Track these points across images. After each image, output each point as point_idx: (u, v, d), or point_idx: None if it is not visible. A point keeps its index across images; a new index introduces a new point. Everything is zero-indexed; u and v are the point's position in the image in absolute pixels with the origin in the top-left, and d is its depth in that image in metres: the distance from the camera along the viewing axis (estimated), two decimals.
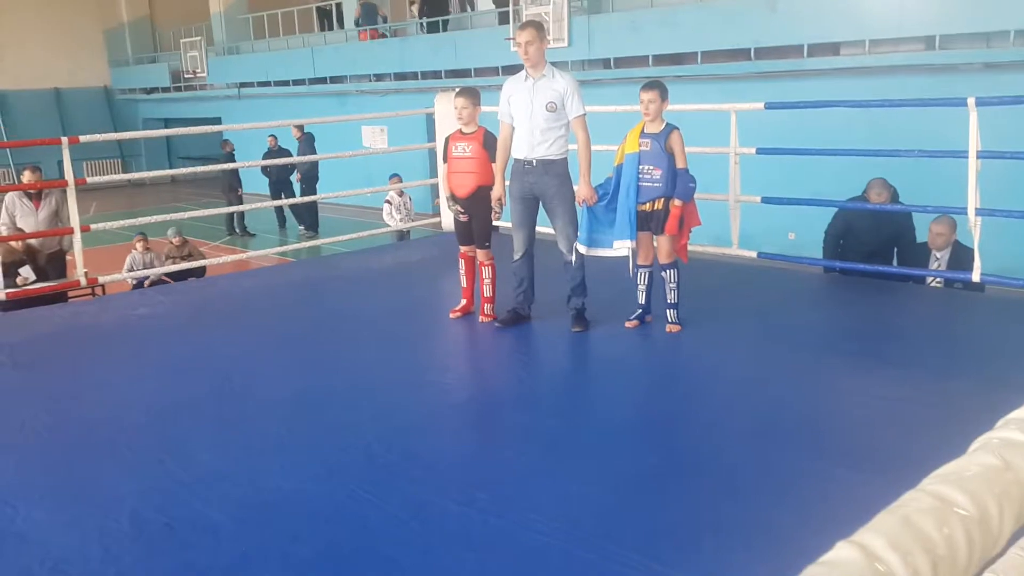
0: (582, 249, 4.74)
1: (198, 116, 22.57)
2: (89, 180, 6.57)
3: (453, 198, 4.98)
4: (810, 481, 2.96)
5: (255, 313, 5.68)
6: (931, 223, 5.78)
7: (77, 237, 5.89)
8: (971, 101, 4.88)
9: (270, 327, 5.29)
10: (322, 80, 19.26)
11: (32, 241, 7.73)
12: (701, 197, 4.81)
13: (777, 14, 11.00)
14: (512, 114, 4.78)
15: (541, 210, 4.88)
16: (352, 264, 7.17)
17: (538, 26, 4.80)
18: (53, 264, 8.08)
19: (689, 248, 4.91)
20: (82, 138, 6.15)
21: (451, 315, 5.10)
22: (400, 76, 17.37)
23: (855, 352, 4.39)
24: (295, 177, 15.85)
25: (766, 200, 6.12)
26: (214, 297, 6.15)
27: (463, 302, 5.14)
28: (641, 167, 4.57)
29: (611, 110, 6.72)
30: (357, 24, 18.99)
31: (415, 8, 18.19)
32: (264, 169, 15.76)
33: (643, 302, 4.82)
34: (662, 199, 4.58)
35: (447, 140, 5.04)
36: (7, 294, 5.98)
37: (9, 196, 7.95)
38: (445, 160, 5.08)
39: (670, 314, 4.72)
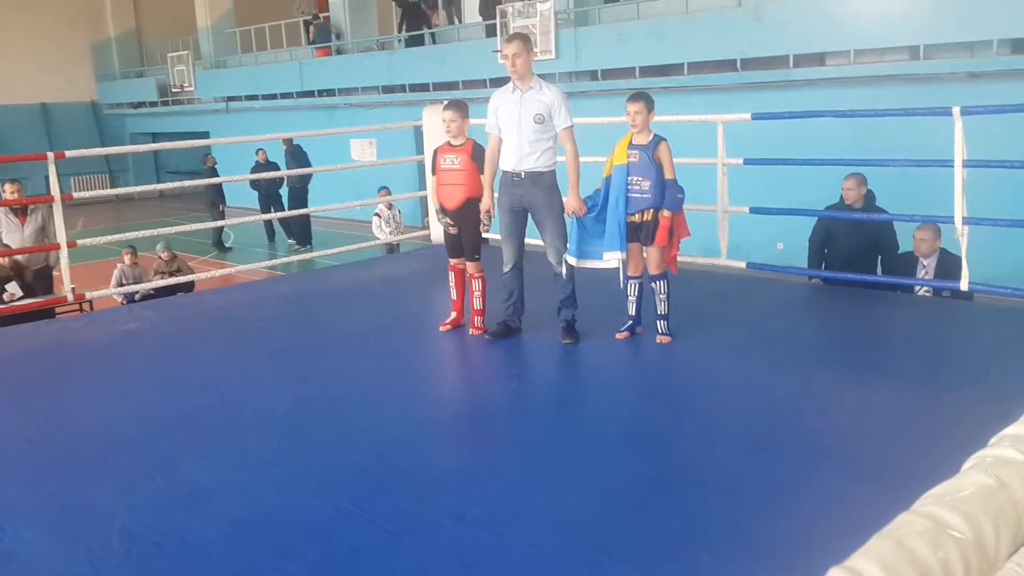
0: (572, 261, 4.75)
1: (186, 130, 22.49)
2: (76, 195, 6.54)
3: (442, 210, 4.98)
4: (804, 492, 2.96)
5: (245, 327, 5.65)
6: (915, 230, 5.82)
7: (64, 253, 5.87)
8: (956, 110, 4.92)
9: (260, 341, 5.27)
10: (310, 93, 19.24)
11: (19, 257, 7.68)
12: (690, 208, 4.82)
13: (763, 25, 11.07)
14: (500, 126, 4.79)
15: (531, 222, 4.88)
16: (342, 277, 7.15)
17: (525, 38, 4.82)
18: (40, 280, 8.03)
19: (679, 259, 4.92)
20: (68, 153, 6.12)
21: (441, 328, 5.09)
22: (388, 89, 17.38)
23: (846, 362, 4.41)
24: (286, 188, 15.78)
25: (754, 210, 6.14)
26: (203, 312, 6.12)
27: (453, 315, 5.14)
28: (630, 178, 4.58)
29: (598, 122, 6.75)
30: (311, 43, 19.57)
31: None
32: (254, 183, 15.73)
33: (633, 313, 4.82)
34: (651, 210, 4.59)
35: (436, 152, 5.05)
36: None
37: None
38: (434, 172, 5.08)
39: (660, 325, 4.72)
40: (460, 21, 16.76)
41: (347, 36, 18.55)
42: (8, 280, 8.35)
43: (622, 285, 4.78)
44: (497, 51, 13.82)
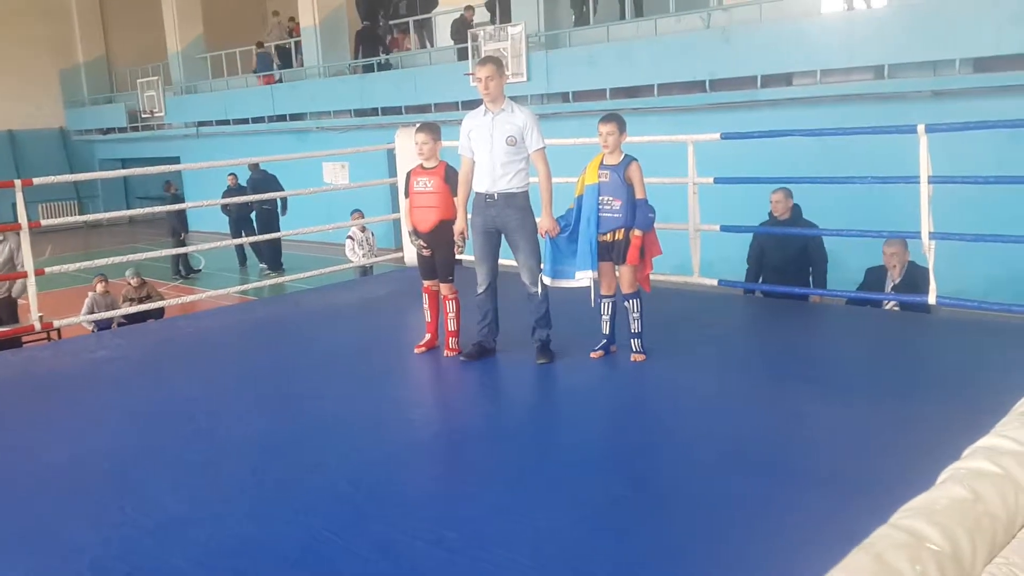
0: (547, 281, 4.76)
1: (156, 156, 22.33)
2: (44, 223, 6.47)
3: (415, 233, 4.98)
4: (780, 509, 2.97)
5: (217, 353, 5.60)
6: (883, 245, 5.91)
7: (31, 281, 5.78)
8: (921, 128, 5.01)
9: (233, 367, 5.22)
10: (282, 118, 19.23)
11: None
12: (661, 227, 4.86)
13: (730, 46, 11.23)
14: (472, 148, 4.81)
15: (504, 243, 4.89)
16: (315, 301, 7.11)
17: (497, 62, 4.86)
18: (4, 310, 7.92)
19: (651, 277, 4.94)
20: (36, 180, 6.04)
21: (416, 350, 5.07)
22: (360, 112, 17.41)
23: (819, 378, 4.44)
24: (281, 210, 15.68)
25: (725, 228, 6.20)
26: (174, 338, 6.05)
27: (428, 336, 5.12)
28: (601, 198, 4.61)
29: (570, 143, 6.78)
30: (255, 72, 20.26)
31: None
32: (224, 208, 15.62)
33: (607, 332, 4.83)
34: (622, 229, 4.61)
35: (408, 175, 5.05)
36: None
37: None
38: (407, 195, 5.08)
39: (634, 343, 4.74)
40: (432, 44, 16.85)
41: (319, 60, 18.57)
42: None
43: (593, 304, 4.79)
44: (469, 74, 13.89)
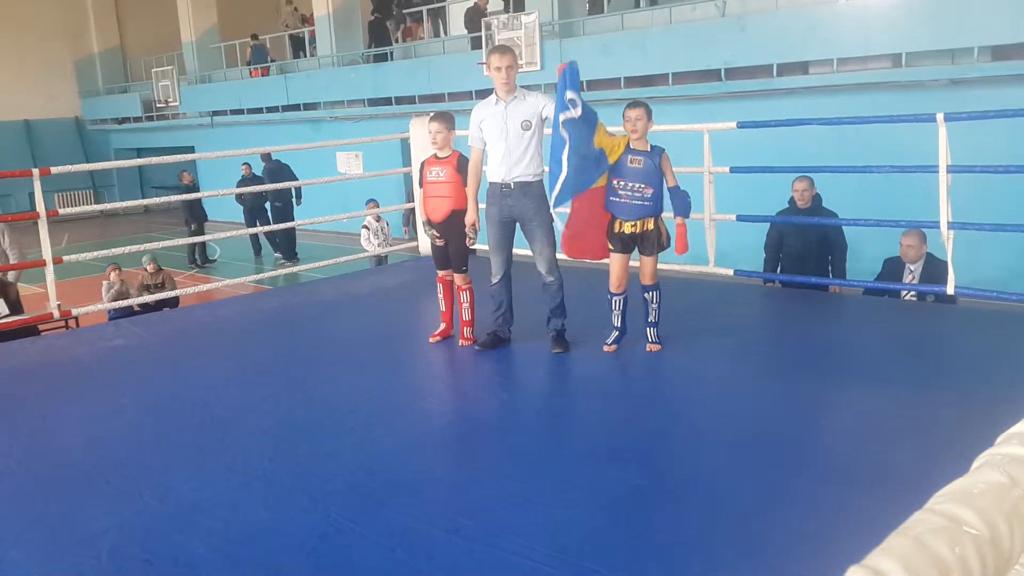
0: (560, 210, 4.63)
1: (171, 145, 22.46)
2: (61, 211, 6.51)
3: (429, 223, 4.98)
4: (798, 500, 2.96)
5: (233, 342, 5.63)
6: (901, 236, 5.88)
7: (49, 269, 5.82)
8: (940, 117, 4.96)
9: (249, 355, 5.24)
10: (295, 107, 19.26)
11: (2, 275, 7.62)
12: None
13: (746, 35, 11.16)
14: (484, 138, 4.80)
15: (519, 232, 4.88)
16: (330, 290, 7.13)
17: (510, 51, 4.87)
18: None
19: (663, 268, 4.92)
20: (54, 169, 6.08)
21: (431, 339, 5.08)
22: (374, 102, 17.41)
23: (836, 368, 4.42)
24: (278, 205, 15.72)
25: (741, 218, 6.17)
26: (190, 327, 6.08)
27: (443, 326, 5.13)
28: (632, 184, 4.50)
29: None
30: (248, 64, 20.51)
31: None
32: (239, 197, 15.68)
33: (619, 324, 4.79)
34: (652, 219, 4.55)
35: (422, 165, 5.05)
36: None
37: None
38: (421, 185, 5.08)
39: (651, 333, 4.72)
40: (446, 33, 16.82)
41: (332, 50, 18.57)
42: None
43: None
44: (482, 63, 13.87)
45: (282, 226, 12.43)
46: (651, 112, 4.58)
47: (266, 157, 15.55)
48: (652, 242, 4.57)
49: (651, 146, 4.55)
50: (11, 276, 7.77)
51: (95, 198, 25.59)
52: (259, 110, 20.33)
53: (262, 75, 20.36)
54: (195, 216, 16.20)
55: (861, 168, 6.01)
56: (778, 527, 2.78)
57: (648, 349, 4.70)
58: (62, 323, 7.49)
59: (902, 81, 10.01)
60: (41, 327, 7.40)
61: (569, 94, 4.38)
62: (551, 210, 4.68)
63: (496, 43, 13.58)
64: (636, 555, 2.64)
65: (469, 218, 4.86)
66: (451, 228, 4.90)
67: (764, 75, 11.24)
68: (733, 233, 6.94)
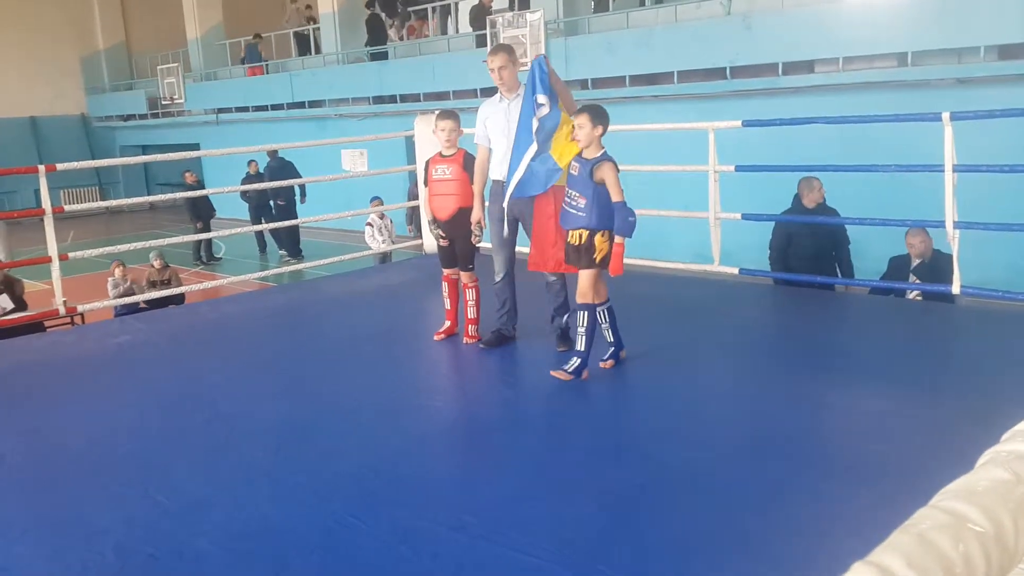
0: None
1: (176, 142, 22.46)
2: (67, 208, 6.52)
3: (435, 221, 4.97)
4: (801, 498, 2.96)
5: (238, 339, 5.64)
6: (906, 235, 5.87)
7: (55, 266, 5.84)
8: (946, 116, 4.95)
9: (254, 352, 5.25)
10: (300, 104, 19.27)
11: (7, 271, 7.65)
12: (682, 215, 4.83)
13: (752, 33, 11.13)
14: (489, 136, 4.81)
15: (522, 231, 4.88)
16: (335, 288, 7.14)
17: (509, 50, 4.86)
18: None
19: (671, 266, 4.90)
20: (59, 166, 6.09)
21: (435, 337, 5.09)
22: (379, 100, 17.41)
23: (839, 367, 4.41)
24: (280, 202, 15.73)
25: (747, 217, 6.17)
26: (196, 324, 6.10)
27: (447, 324, 5.13)
28: (571, 192, 4.29)
29: None
30: (243, 62, 20.67)
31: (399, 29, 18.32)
32: (244, 195, 15.70)
33: (611, 339, 4.49)
34: (585, 232, 4.21)
35: (427, 163, 5.05)
36: None
37: None
38: (426, 183, 5.08)
39: (572, 361, 4.33)
40: (457, 31, 16.81)
41: (337, 47, 18.58)
42: None
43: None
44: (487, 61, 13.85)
45: (286, 224, 12.44)
46: (599, 117, 4.22)
47: (272, 154, 15.57)
48: (580, 256, 4.26)
49: (599, 155, 4.21)
50: None
51: (101, 195, 25.63)
52: (264, 108, 20.35)
53: (255, 74, 20.45)
54: (200, 214, 16.22)
55: (867, 167, 6.00)
56: (780, 525, 2.78)
57: (552, 374, 4.32)
58: (68, 319, 7.53)
59: (908, 80, 9.98)
60: (47, 323, 7.43)
61: (540, 98, 4.33)
62: (503, 203, 4.67)
63: (498, 42, 13.58)
64: (639, 553, 2.65)
65: (475, 216, 4.85)
66: (458, 226, 4.89)
67: (769, 73, 11.21)
68: (737, 232, 6.94)
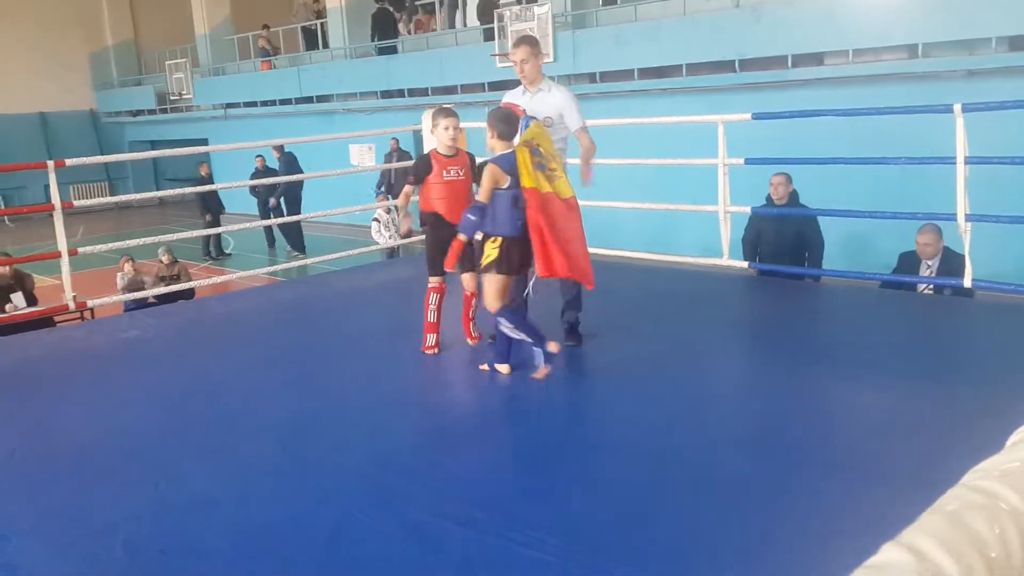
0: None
1: (185, 137, 22.49)
2: (76, 203, 6.54)
3: (442, 222, 4.68)
4: (809, 495, 2.94)
5: (246, 334, 5.64)
6: (916, 234, 5.82)
7: (65, 261, 5.85)
8: (957, 107, 4.91)
9: (262, 348, 5.25)
10: (308, 99, 19.27)
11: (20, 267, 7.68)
12: (691, 208, 4.81)
13: (761, 26, 11.07)
14: None
15: None
16: (343, 283, 7.14)
17: (532, 42, 4.79)
18: None
19: (679, 259, 4.88)
20: (69, 161, 6.11)
21: (427, 351, 4.84)
22: (387, 94, 17.39)
23: (850, 362, 4.38)
24: (271, 203, 15.75)
25: (757, 210, 6.14)
26: (204, 319, 6.10)
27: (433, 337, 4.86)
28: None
29: (598, 124, 6.73)
30: (264, 55, 20.88)
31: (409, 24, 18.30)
32: (252, 189, 15.73)
33: (530, 339, 4.27)
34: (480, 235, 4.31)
35: (429, 160, 4.69)
36: None
37: None
38: (419, 180, 4.70)
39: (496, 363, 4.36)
40: (465, 24, 16.77)
41: (345, 42, 18.56)
42: (11, 289, 8.37)
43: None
44: (495, 55, 13.83)
45: (294, 218, 12.44)
46: (489, 120, 4.28)
47: (278, 150, 15.59)
48: (470, 258, 4.37)
49: (492, 157, 4.29)
50: None
51: (110, 190, 25.71)
52: (272, 102, 20.35)
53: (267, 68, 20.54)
54: (210, 207, 16.26)
55: (877, 160, 5.96)
56: (788, 522, 2.76)
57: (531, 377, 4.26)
58: (77, 314, 7.54)
59: (918, 72, 9.90)
60: (56, 318, 7.45)
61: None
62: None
63: (509, 35, 13.55)
64: (646, 550, 2.64)
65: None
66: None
67: (779, 66, 11.14)
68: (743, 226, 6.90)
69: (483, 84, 14.70)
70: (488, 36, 14.81)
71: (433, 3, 17.80)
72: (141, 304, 8.63)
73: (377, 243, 10.92)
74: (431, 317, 4.76)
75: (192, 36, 23.49)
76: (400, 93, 17.02)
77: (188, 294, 8.76)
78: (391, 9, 18.05)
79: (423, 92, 16.39)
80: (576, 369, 4.60)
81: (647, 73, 12.66)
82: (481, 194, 4.24)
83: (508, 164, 4.20)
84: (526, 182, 4.15)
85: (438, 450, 3.59)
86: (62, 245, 5.84)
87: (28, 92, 25.48)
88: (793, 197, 6.49)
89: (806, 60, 10.99)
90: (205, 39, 22.99)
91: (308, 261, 11.13)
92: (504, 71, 13.94)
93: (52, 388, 4.61)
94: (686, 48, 11.94)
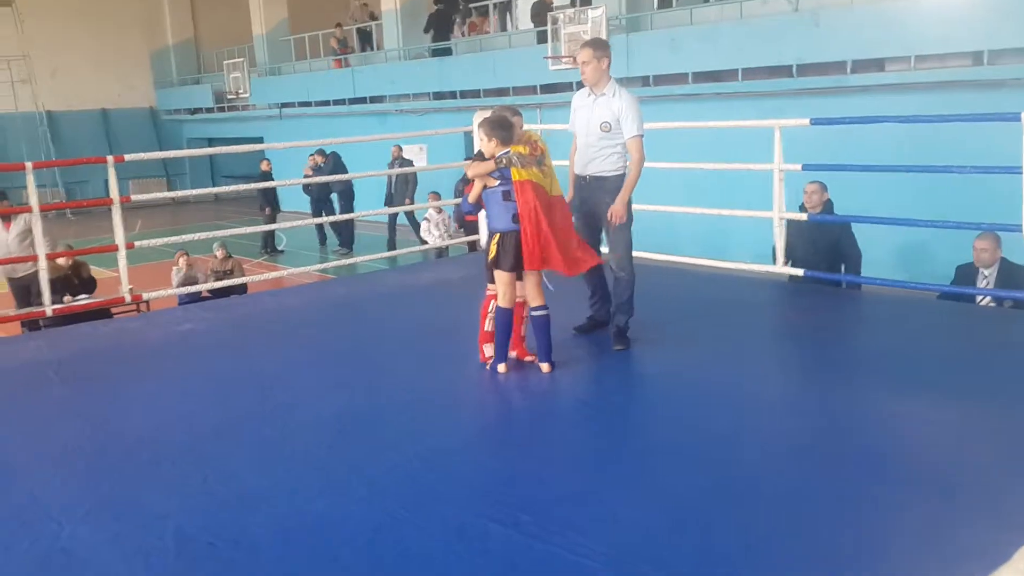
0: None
1: (241, 136, 22.90)
2: (134, 198, 6.67)
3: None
4: (869, 507, 2.85)
5: (297, 330, 5.69)
6: (974, 240, 5.67)
7: (122, 254, 5.97)
8: None
9: (312, 344, 5.29)
10: (362, 100, 19.45)
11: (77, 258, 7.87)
12: (745, 214, 4.72)
13: (819, 30, 10.88)
14: (574, 129, 4.80)
15: None
16: (393, 281, 7.17)
17: (596, 44, 4.77)
18: (20, 294, 8.26)
19: (732, 266, 4.81)
20: (127, 157, 6.23)
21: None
22: (439, 95, 17.49)
23: (907, 375, 4.26)
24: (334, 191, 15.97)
25: (812, 218, 6.02)
26: (257, 314, 6.18)
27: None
28: None
29: (651, 127, 6.67)
30: (334, 53, 20.97)
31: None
32: (306, 188, 15.94)
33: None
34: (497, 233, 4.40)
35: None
36: (54, 310, 6.06)
37: None
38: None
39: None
40: (517, 27, 16.80)
41: (399, 44, 18.71)
42: (66, 279, 8.58)
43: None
44: (548, 57, 13.81)
45: (345, 216, 12.55)
46: (488, 128, 4.29)
47: (321, 153, 15.84)
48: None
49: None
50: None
51: (168, 186, 26.25)
52: (326, 102, 20.59)
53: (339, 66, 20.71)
54: (270, 200, 16.52)
55: (941, 168, 5.80)
56: (847, 535, 2.68)
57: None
58: (133, 307, 7.71)
59: (983, 79, 9.64)
60: (113, 310, 7.61)
61: None
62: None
63: (562, 37, 13.52)
64: (699, 558, 2.59)
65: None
66: None
67: (837, 72, 10.95)
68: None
69: (535, 87, 14.68)
70: (541, 39, 14.80)
71: (487, 5, 17.85)
72: (195, 298, 8.79)
73: (426, 243, 10.96)
74: (488, 326, 4.62)
75: (250, 36, 23.90)
76: (452, 95, 17.10)
77: (241, 289, 8.89)
78: (448, 10, 18.16)
79: (475, 94, 16.43)
80: (626, 373, 4.56)
81: (701, 77, 12.53)
82: (472, 196, 4.40)
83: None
84: (516, 176, 4.21)
85: (484, 451, 3.58)
86: (119, 239, 5.95)
87: (91, 89, 26.20)
88: (827, 206, 6.30)
89: (866, 66, 10.77)
90: (262, 39, 23.36)
91: (359, 259, 11.23)
92: (557, 74, 13.91)
93: (108, 379, 4.69)
94: (742, 52, 11.80)
